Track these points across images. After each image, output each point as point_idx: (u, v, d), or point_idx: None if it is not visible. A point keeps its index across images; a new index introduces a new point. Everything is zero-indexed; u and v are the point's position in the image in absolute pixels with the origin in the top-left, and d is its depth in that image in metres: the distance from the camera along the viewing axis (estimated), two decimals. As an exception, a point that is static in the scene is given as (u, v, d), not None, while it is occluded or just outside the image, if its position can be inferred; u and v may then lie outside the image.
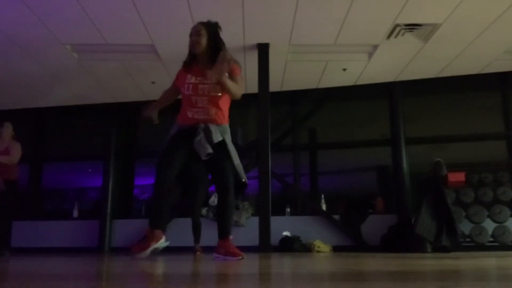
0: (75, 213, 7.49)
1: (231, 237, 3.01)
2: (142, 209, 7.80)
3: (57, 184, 9.94)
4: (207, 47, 3.05)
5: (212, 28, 3.09)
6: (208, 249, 5.69)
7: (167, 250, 3.46)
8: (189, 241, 5.08)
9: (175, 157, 2.91)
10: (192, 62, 3.15)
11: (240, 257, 2.85)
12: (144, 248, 2.85)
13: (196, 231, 4.90)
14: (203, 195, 4.89)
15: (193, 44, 3.10)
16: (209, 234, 6.13)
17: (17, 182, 5.35)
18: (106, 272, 2.18)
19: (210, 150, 2.87)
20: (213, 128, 2.96)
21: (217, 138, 2.93)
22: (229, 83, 2.91)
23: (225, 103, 3.10)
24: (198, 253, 4.78)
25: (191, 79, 3.05)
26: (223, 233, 3.00)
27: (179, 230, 5.80)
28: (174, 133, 3.03)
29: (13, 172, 5.31)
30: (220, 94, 3.01)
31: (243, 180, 2.99)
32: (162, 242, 2.91)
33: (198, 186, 4.67)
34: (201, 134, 2.90)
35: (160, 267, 2.50)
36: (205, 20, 3.25)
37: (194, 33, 3.12)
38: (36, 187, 7.76)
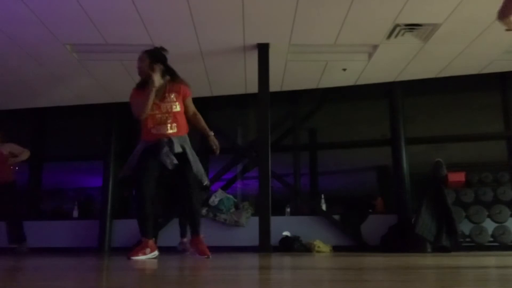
0: (75, 213, 7.49)
1: (201, 235, 3.46)
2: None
3: (57, 184, 9.95)
4: (151, 71, 3.53)
5: (151, 53, 3.66)
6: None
7: (167, 251, 3.56)
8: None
9: (149, 173, 3.33)
10: (144, 85, 3.55)
11: (207, 256, 3.28)
12: (137, 254, 3.29)
13: (183, 225, 5.04)
14: (174, 196, 5.05)
15: (138, 72, 3.68)
16: (208, 235, 6.15)
17: (14, 183, 5.54)
18: (106, 272, 2.18)
19: (175, 161, 3.30)
20: (175, 139, 3.35)
21: (178, 149, 3.33)
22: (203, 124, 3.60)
23: (182, 116, 3.51)
24: (185, 247, 4.88)
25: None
26: (195, 231, 3.45)
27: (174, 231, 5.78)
28: (142, 151, 3.43)
29: (9, 174, 5.51)
30: (178, 109, 3.46)
31: (205, 183, 3.46)
32: (154, 253, 3.38)
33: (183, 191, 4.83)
34: (166, 148, 3.30)
35: (160, 267, 2.50)
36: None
37: (138, 60, 3.70)
38: (36, 187, 7.76)
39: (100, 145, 7.66)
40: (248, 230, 6.32)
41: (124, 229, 7.05)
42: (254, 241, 5.47)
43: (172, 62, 6.13)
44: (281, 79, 6.74)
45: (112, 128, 7.57)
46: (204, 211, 6.59)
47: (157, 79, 3.43)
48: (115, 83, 6.87)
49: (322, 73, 6.61)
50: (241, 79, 6.79)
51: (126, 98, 8.00)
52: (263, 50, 5.76)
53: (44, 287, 1.42)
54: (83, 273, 2.07)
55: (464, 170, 6.07)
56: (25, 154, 5.60)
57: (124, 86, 6.97)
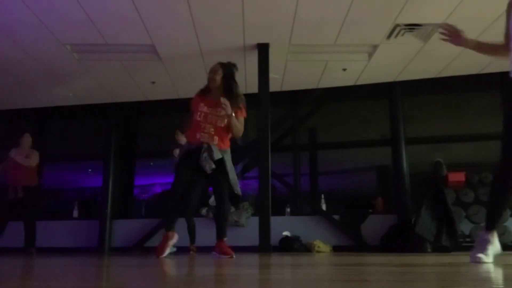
0: (75, 213, 7.49)
1: (225, 238, 3.65)
2: (142, 209, 7.80)
3: (57, 184, 9.94)
4: (221, 85, 3.69)
5: (227, 68, 3.80)
6: (204, 249, 5.71)
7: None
8: (185, 241, 5.17)
9: (185, 173, 3.60)
10: (207, 93, 3.73)
11: (230, 256, 3.49)
12: (163, 251, 3.53)
13: (191, 232, 5.32)
14: (195, 200, 5.25)
15: (209, 81, 3.73)
16: (207, 234, 6.16)
17: (38, 188, 5.83)
18: (106, 272, 2.18)
19: (213, 166, 3.52)
20: (214, 148, 3.57)
21: (217, 156, 3.55)
22: (234, 122, 3.59)
23: (226, 133, 3.70)
24: (191, 252, 5.13)
25: (204, 108, 3.66)
26: (220, 235, 3.64)
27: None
28: (184, 153, 3.71)
29: (33, 179, 5.76)
30: (223, 125, 3.65)
31: (236, 192, 3.64)
32: (174, 240, 3.62)
33: (191, 192, 5.04)
34: (205, 153, 3.53)
35: (160, 267, 2.50)
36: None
37: (212, 71, 3.77)
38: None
39: (100, 145, 7.67)
40: (248, 230, 6.33)
41: (124, 229, 7.05)
42: (254, 241, 5.47)
43: (172, 62, 6.18)
44: (281, 79, 6.75)
45: (112, 128, 7.57)
46: (204, 211, 6.60)
47: (229, 109, 3.53)
48: (115, 83, 6.87)
49: (322, 73, 6.60)
50: (241, 79, 6.77)
51: (126, 98, 8.06)
52: (263, 50, 5.76)
53: (44, 287, 1.42)
54: (83, 273, 2.07)
55: (464, 170, 6.07)
56: (29, 162, 5.75)
57: (124, 86, 7.01)
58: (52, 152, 8.11)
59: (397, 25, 5.24)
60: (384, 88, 6.94)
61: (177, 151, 5.09)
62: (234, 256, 3.50)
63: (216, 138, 3.62)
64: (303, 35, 5.52)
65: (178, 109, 7.58)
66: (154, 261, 3.18)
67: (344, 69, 6.47)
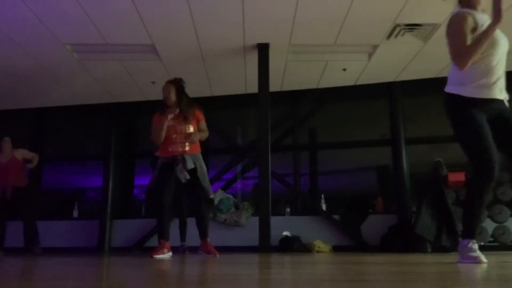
0: (75, 213, 7.49)
1: (208, 239, 4.03)
2: (142, 209, 7.80)
3: (57, 184, 9.94)
4: (176, 100, 4.15)
5: (177, 84, 4.21)
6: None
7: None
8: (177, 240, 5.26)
9: (167, 186, 3.94)
10: (166, 110, 4.14)
11: (214, 256, 3.83)
12: (160, 252, 3.82)
13: (182, 229, 5.40)
14: (186, 202, 5.42)
15: (165, 99, 4.17)
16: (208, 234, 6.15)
17: (27, 187, 5.83)
18: (106, 272, 2.18)
19: (188, 176, 3.92)
20: (187, 157, 3.95)
21: (190, 165, 3.94)
22: (202, 135, 4.11)
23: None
24: (187, 252, 5.23)
25: (169, 122, 4.05)
26: (203, 235, 4.04)
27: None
28: (161, 167, 4.04)
29: (21, 180, 5.78)
30: (191, 131, 4.05)
31: (210, 196, 4.08)
32: (170, 254, 3.95)
33: (181, 196, 5.24)
34: (180, 165, 3.91)
35: (160, 267, 2.50)
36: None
37: (165, 90, 4.20)
38: (36, 187, 7.75)
39: (100, 145, 7.66)
40: (248, 230, 6.32)
41: (124, 229, 7.05)
42: (254, 241, 5.47)
43: (172, 62, 6.18)
44: (281, 79, 6.75)
45: (112, 128, 7.57)
46: (204, 211, 6.59)
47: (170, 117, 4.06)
48: (115, 83, 6.87)
49: (322, 73, 6.60)
50: (241, 79, 6.79)
51: (126, 98, 8.07)
52: (263, 50, 5.76)
53: (44, 287, 1.42)
54: (83, 273, 2.07)
55: (464, 170, 6.06)
56: (36, 158, 5.90)
57: (124, 86, 7.01)
58: (52, 152, 8.11)
59: (397, 25, 5.24)
60: (384, 88, 6.94)
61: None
62: (217, 256, 3.85)
63: (187, 145, 4.01)
64: (303, 35, 5.52)
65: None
66: (154, 261, 3.18)
67: (344, 69, 6.47)
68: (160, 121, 4.10)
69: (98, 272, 2.17)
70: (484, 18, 2.60)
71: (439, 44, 5.72)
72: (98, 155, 7.72)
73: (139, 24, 5.15)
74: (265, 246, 5.34)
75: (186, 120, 4.07)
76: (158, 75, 6.57)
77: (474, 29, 2.56)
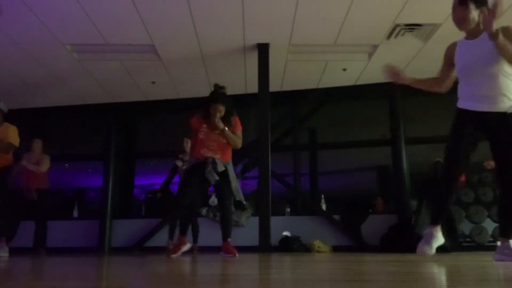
0: (75, 213, 7.49)
1: (229, 239, 4.11)
2: (142, 209, 7.80)
3: (57, 184, 9.94)
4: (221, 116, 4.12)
5: (228, 104, 4.17)
6: (204, 249, 5.72)
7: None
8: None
9: (190, 187, 4.09)
10: (207, 117, 4.13)
11: (232, 255, 3.93)
12: (177, 251, 4.00)
13: (195, 232, 5.50)
14: (198, 204, 5.51)
15: (214, 114, 4.07)
16: (208, 234, 6.15)
17: (47, 191, 5.90)
18: (106, 272, 2.18)
19: (217, 177, 4.01)
20: (218, 161, 4.06)
21: (221, 168, 4.04)
22: (228, 135, 4.08)
23: (227, 147, 4.17)
24: (195, 251, 5.28)
25: (206, 128, 4.13)
26: (224, 237, 4.11)
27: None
28: (190, 166, 4.15)
29: (44, 182, 5.86)
30: (224, 141, 4.13)
31: (238, 199, 4.18)
32: (187, 246, 4.13)
33: (197, 199, 5.30)
34: (210, 166, 4.00)
35: (160, 267, 2.50)
36: None
37: (216, 110, 4.07)
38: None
39: (100, 145, 7.66)
40: (248, 230, 6.32)
41: (124, 229, 7.05)
42: (254, 241, 5.47)
43: (172, 62, 6.18)
44: (281, 79, 6.74)
45: (112, 128, 7.57)
46: (204, 211, 6.60)
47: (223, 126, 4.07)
48: (115, 83, 6.87)
49: (322, 73, 6.61)
50: (241, 79, 6.79)
51: (126, 98, 8.06)
52: (263, 50, 5.76)
53: (44, 286, 1.42)
54: (83, 273, 2.07)
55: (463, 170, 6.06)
56: (35, 168, 5.85)
57: (124, 86, 7.01)
58: (52, 152, 8.11)
59: (397, 25, 5.24)
60: (384, 88, 6.93)
61: (181, 160, 5.67)
62: (236, 255, 3.92)
63: (218, 152, 4.10)
64: (303, 35, 5.52)
65: (178, 109, 7.59)
66: (154, 261, 3.18)
67: (344, 69, 6.47)
68: (198, 125, 4.13)
69: (98, 272, 2.18)
70: (472, 45, 2.94)
71: (439, 44, 5.72)
72: (98, 155, 7.72)
73: (139, 24, 5.15)
74: (265, 246, 5.34)
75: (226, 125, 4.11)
76: (158, 75, 6.57)
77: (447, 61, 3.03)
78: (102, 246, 6.89)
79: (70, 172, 9.72)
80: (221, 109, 4.07)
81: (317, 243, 5.96)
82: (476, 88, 2.78)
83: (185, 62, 6.16)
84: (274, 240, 5.81)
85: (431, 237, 2.81)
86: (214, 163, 4.02)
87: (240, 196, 4.15)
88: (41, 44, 5.56)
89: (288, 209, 6.79)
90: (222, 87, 4.22)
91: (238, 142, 4.19)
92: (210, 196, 6.63)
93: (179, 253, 4.03)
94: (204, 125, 4.11)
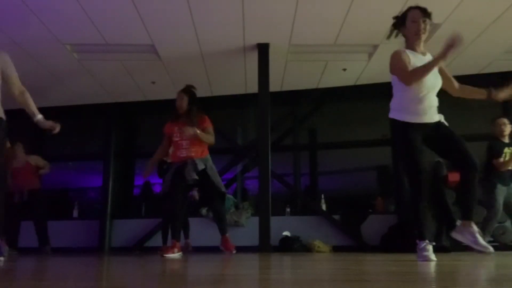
0: (75, 213, 7.48)
1: (227, 234, 4.26)
2: (142, 209, 7.80)
3: (57, 184, 9.93)
4: (187, 108, 4.37)
5: (190, 93, 4.46)
6: (205, 249, 5.71)
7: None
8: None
9: (178, 189, 4.18)
10: (178, 118, 4.39)
11: (230, 251, 4.09)
12: (170, 252, 4.01)
13: (185, 228, 5.61)
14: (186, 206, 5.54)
15: (178, 108, 4.39)
16: (208, 234, 6.15)
17: (40, 190, 6.02)
18: (106, 272, 2.18)
19: (195, 177, 4.17)
20: (198, 161, 4.21)
21: (201, 166, 4.21)
22: (201, 135, 4.23)
23: (201, 143, 4.31)
24: (189, 247, 5.45)
25: (178, 130, 4.30)
26: (222, 232, 4.28)
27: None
28: (173, 171, 4.27)
29: (36, 182, 5.97)
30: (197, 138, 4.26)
31: (222, 190, 4.32)
32: (180, 253, 4.16)
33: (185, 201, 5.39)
34: (189, 166, 4.16)
35: (160, 267, 2.50)
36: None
37: (178, 99, 4.43)
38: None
39: (100, 145, 7.66)
40: (248, 230, 6.32)
41: (124, 229, 7.05)
42: (254, 241, 5.47)
43: (172, 62, 6.17)
44: (281, 79, 6.74)
45: (112, 128, 7.57)
46: (204, 211, 6.60)
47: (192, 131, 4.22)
48: (115, 83, 6.87)
49: (322, 73, 6.60)
50: (241, 79, 6.79)
51: (126, 98, 8.06)
52: (263, 50, 5.76)
53: (44, 286, 1.42)
54: (83, 273, 2.07)
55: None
56: (48, 166, 6.09)
57: (124, 86, 7.01)
58: (52, 152, 8.11)
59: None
60: (384, 88, 6.92)
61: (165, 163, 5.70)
62: (234, 251, 4.11)
63: (193, 150, 4.24)
64: (303, 35, 5.52)
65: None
66: (154, 261, 3.18)
67: (344, 69, 6.47)
68: (170, 130, 4.39)
69: (98, 272, 2.18)
70: (421, 59, 3.14)
71: (439, 44, 5.72)
72: (98, 155, 7.72)
73: (139, 24, 5.15)
74: (265, 246, 5.34)
75: (192, 126, 4.27)
76: (158, 75, 6.57)
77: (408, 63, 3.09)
78: (102, 246, 6.89)
79: (70, 172, 9.71)
80: (183, 97, 4.37)
81: (317, 243, 5.96)
82: (423, 101, 3.01)
83: (185, 62, 6.16)
84: (274, 240, 5.80)
85: (427, 248, 2.91)
86: (194, 163, 4.19)
87: (222, 188, 4.33)
88: (41, 44, 5.56)
89: (288, 209, 6.78)
90: (192, 86, 4.53)
91: (211, 140, 4.36)
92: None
93: (172, 255, 4.04)
94: (176, 128, 4.33)
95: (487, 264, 2.41)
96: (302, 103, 7.59)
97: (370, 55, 6.00)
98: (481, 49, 5.82)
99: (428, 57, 3.16)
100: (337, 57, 6.07)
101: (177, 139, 4.33)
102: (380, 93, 7.08)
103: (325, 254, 5.08)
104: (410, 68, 3.02)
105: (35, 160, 6.04)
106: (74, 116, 8.00)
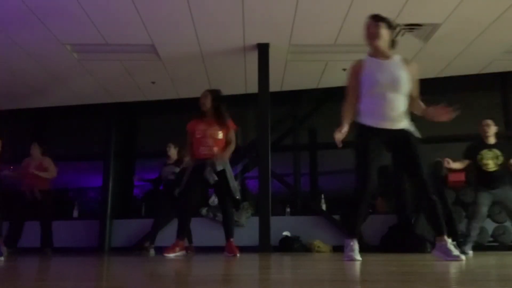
0: (75, 213, 7.48)
1: (232, 239, 4.21)
2: (142, 209, 7.79)
3: (57, 184, 9.92)
4: (211, 107, 4.34)
5: (215, 93, 4.44)
6: (205, 249, 5.72)
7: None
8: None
9: (193, 189, 4.19)
10: (202, 117, 4.37)
11: (233, 254, 4.04)
12: (171, 252, 4.04)
13: (189, 233, 5.51)
14: (199, 206, 5.70)
15: (201, 105, 4.36)
16: (208, 234, 6.15)
17: (51, 191, 6.07)
18: (106, 272, 2.18)
19: (216, 178, 4.15)
20: (216, 162, 4.18)
21: (219, 168, 4.18)
22: (228, 154, 4.34)
23: (224, 143, 4.35)
24: (189, 251, 5.37)
25: (202, 127, 4.30)
26: (227, 236, 4.21)
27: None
28: (192, 168, 4.27)
29: (46, 183, 6.00)
30: (221, 137, 4.31)
31: (237, 197, 4.27)
32: (182, 252, 4.19)
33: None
34: (209, 167, 4.14)
35: (160, 267, 2.50)
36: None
37: (202, 97, 4.38)
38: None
39: (100, 145, 7.66)
40: (248, 230, 6.32)
41: (124, 229, 7.05)
42: (254, 241, 5.47)
43: (172, 62, 6.18)
44: (281, 79, 6.74)
45: (112, 128, 7.57)
46: (204, 211, 6.60)
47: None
48: (115, 83, 6.87)
49: (322, 73, 6.60)
50: (241, 79, 6.79)
51: (126, 98, 8.06)
52: (263, 50, 5.76)
53: (44, 286, 1.43)
54: (83, 273, 2.07)
55: (464, 170, 6.05)
56: (52, 174, 6.07)
57: (124, 86, 7.01)
58: (52, 152, 8.10)
59: (397, 25, 5.24)
60: (384, 88, 6.93)
61: (166, 169, 5.87)
62: (237, 255, 4.04)
63: (215, 149, 4.23)
64: (303, 35, 5.52)
65: (178, 109, 7.59)
66: (154, 261, 3.19)
67: (344, 69, 6.46)
68: (193, 127, 4.36)
69: (98, 272, 2.18)
70: (382, 64, 3.16)
71: (439, 44, 5.74)
72: (98, 155, 7.71)
73: (139, 24, 5.15)
74: (265, 246, 5.34)
75: (217, 126, 4.31)
76: (158, 75, 6.57)
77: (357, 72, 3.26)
78: (102, 246, 6.89)
79: (70, 172, 9.70)
80: (207, 96, 4.36)
81: (317, 243, 5.96)
82: (385, 107, 3.03)
83: (185, 62, 6.16)
84: (274, 240, 5.80)
85: (353, 248, 3.01)
86: (212, 164, 4.17)
87: (238, 195, 4.29)
88: (41, 44, 5.56)
89: (288, 209, 6.78)
90: (218, 90, 4.52)
91: (233, 148, 4.40)
92: (210, 196, 6.64)
93: (174, 254, 4.06)
94: (200, 125, 4.31)
95: (487, 264, 2.41)
96: (302, 103, 7.59)
97: (370, 55, 5.99)
98: (481, 49, 5.82)
99: (395, 60, 3.16)
100: (337, 57, 6.07)
101: (199, 136, 4.30)
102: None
103: (325, 254, 5.08)
104: (356, 82, 3.22)
105: (48, 162, 6.08)
106: (74, 116, 8.01)
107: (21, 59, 5.97)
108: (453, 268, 2.22)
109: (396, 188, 6.64)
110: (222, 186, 4.22)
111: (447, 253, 2.80)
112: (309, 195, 7.35)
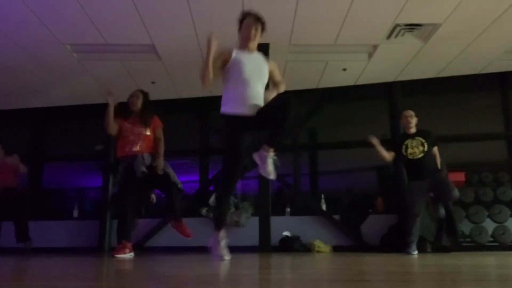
0: (75, 213, 7.48)
1: (183, 220, 4.39)
2: (142, 209, 7.78)
3: (57, 184, 9.93)
4: (141, 107, 4.54)
5: (146, 94, 4.67)
6: (205, 249, 5.71)
7: (169, 250, 3.59)
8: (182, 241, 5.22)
9: (130, 188, 4.27)
10: (128, 115, 4.53)
11: (188, 237, 4.31)
12: (119, 253, 4.11)
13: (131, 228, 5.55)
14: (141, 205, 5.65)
15: (131, 104, 4.54)
16: (208, 235, 6.14)
17: (16, 188, 6.12)
18: (106, 272, 2.18)
19: (144, 169, 4.24)
20: (146, 156, 4.34)
21: (148, 161, 4.32)
22: (162, 150, 4.42)
23: (151, 139, 4.48)
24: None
25: (128, 125, 4.45)
26: (178, 217, 4.37)
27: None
28: (122, 171, 4.33)
29: (12, 180, 6.08)
30: (148, 133, 4.45)
31: (179, 186, 4.38)
32: (131, 254, 4.26)
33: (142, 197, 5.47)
34: (137, 160, 4.26)
35: (159, 267, 2.50)
36: None
37: (133, 96, 4.58)
38: (36, 187, 7.75)
39: (100, 145, 7.65)
40: (248, 230, 6.32)
41: (124, 229, 7.03)
42: (254, 241, 5.47)
43: (172, 62, 6.18)
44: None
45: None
46: (204, 211, 6.59)
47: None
48: (115, 83, 6.86)
49: (322, 73, 6.60)
50: (241, 79, 6.78)
51: (126, 98, 8.02)
52: (263, 50, 5.74)
53: (44, 286, 1.43)
54: (83, 273, 2.07)
55: (464, 170, 6.06)
56: (23, 168, 6.20)
57: (124, 86, 6.99)
58: (52, 152, 8.11)
59: (397, 25, 5.24)
60: (384, 88, 6.94)
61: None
62: (191, 236, 4.30)
63: (143, 145, 4.37)
64: (303, 35, 5.52)
65: (178, 109, 7.59)
66: (154, 261, 3.19)
67: (344, 69, 6.47)
68: (120, 126, 4.48)
69: (98, 272, 2.18)
70: (247, 56, 3.44)
71: (439, 44, 5.74)
72: (98, 155, 7.71)
73: (139, 24, 5.15)
74: (265, 246, 5.34)
75: (144, 124, 4.45)
76: (158, 75, 6.57)
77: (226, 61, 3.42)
78: (102, 246, 6.88)
79: (70, 172, 9.71)
80: (137, 94, 4.55)
81: (317, 243, 5.95)
82: (247, 95, 3.18)
83: (185, 62, 6.15)
84: (274, 240, 5.80)
85: (218, 242, 3.17)
86: (141, 157, 4.29)
87: (178, 181, 4.40)
88: (41, 44, 5.56)
89: (288, 209, 6.78)
90: (147, 92, 4.72)
91: (163, 144, 4.48)
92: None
93: (122, 256, 4.08)
94: (126, 123, 4.46)
95: (487, 264, 2.41)
96: (302, 103, 7.58)
97: (370, 55, 6.00)
98: (481, 49, 5.82)
99: (256, 55, 3.43)
100: (337, 57, 6.07)
101: (127, 134, 4.43)
102: (380, 93, 7.12)
103: (325, 254, 5.08)
104: (221, 65, 3.37)
105: (12, 160, 6.18)
106: (74, 116, 8.00)
107: (21, 59, 5.96)
108: (453, 268, 2.22)
109: (397, 188, 6.64)
110: (165, 181, 4.33)
111: (263, 165, 3.18)
112: (309, 195, 7.35)
